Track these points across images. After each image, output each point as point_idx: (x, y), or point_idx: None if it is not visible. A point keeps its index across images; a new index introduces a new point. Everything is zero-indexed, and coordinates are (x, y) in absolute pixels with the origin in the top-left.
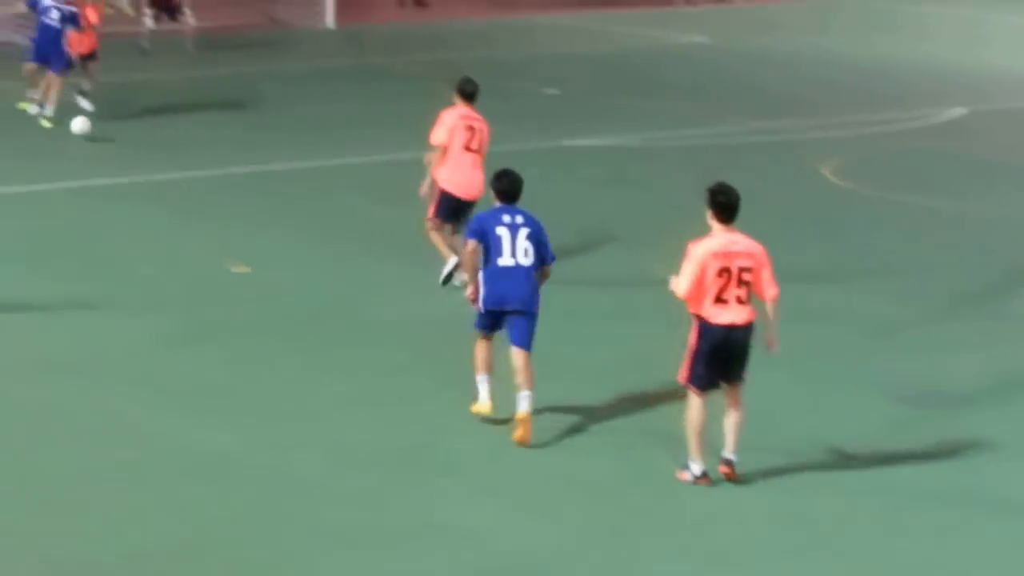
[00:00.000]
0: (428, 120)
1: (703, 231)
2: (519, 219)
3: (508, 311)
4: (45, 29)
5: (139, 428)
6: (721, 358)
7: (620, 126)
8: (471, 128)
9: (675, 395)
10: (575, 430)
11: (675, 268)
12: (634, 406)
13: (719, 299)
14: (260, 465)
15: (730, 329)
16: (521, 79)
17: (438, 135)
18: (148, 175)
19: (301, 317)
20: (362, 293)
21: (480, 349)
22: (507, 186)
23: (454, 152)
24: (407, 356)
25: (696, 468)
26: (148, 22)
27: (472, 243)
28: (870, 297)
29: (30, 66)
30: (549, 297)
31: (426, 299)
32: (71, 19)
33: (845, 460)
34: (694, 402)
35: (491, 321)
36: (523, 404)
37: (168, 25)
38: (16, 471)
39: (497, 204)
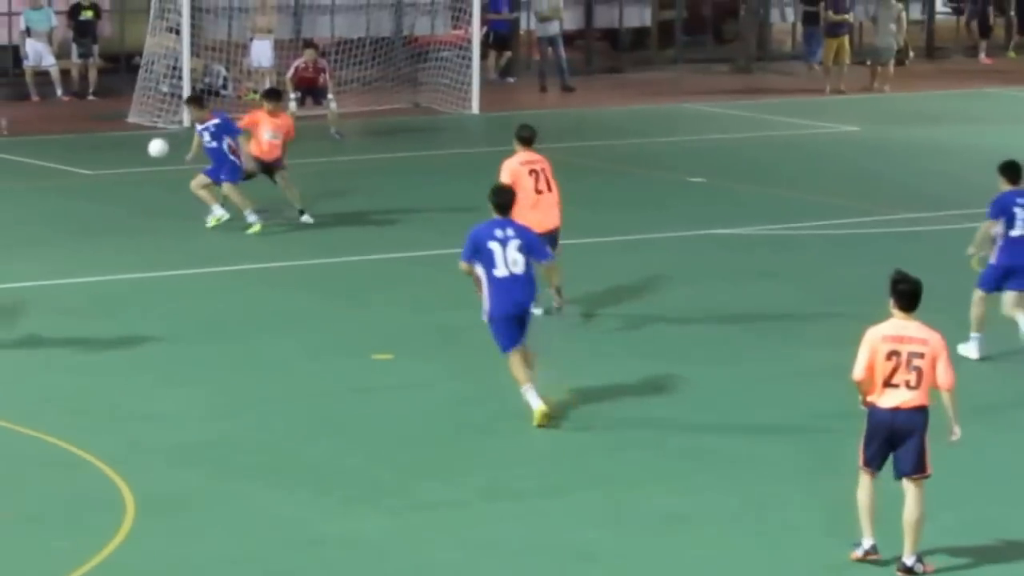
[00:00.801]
0: (573, 202)
1: (853, 320)
2: (510, 232)
3: (513, 315)
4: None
5: (276, 516)
6: (887, 443)
7: (766, 215)
8: (534, 172)
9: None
10: (736, 519)
11: (832, 357)
12: (808, 495)
13: (889, 383)
14: (401, 555)
15: (895, 413)
16: (666, 167)
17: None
18: (294, 260)
19: (442, 406)
20: (506, 382)
21: (516, 364)
22: (502, 199)
23: (525, 197)
24: (548, 446)
25: (866, 543)
26: (292, 106)
27: (465, 265)
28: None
29: (204, 179)
30: (711, 391)
31: (571, 391)
32: (226, 129)
33: (1012, 547)
34: (862, 482)
35: (510, 329)
36: (533, 396)
37: (311, 110)
38: (155, 560)
39: (494, 215)
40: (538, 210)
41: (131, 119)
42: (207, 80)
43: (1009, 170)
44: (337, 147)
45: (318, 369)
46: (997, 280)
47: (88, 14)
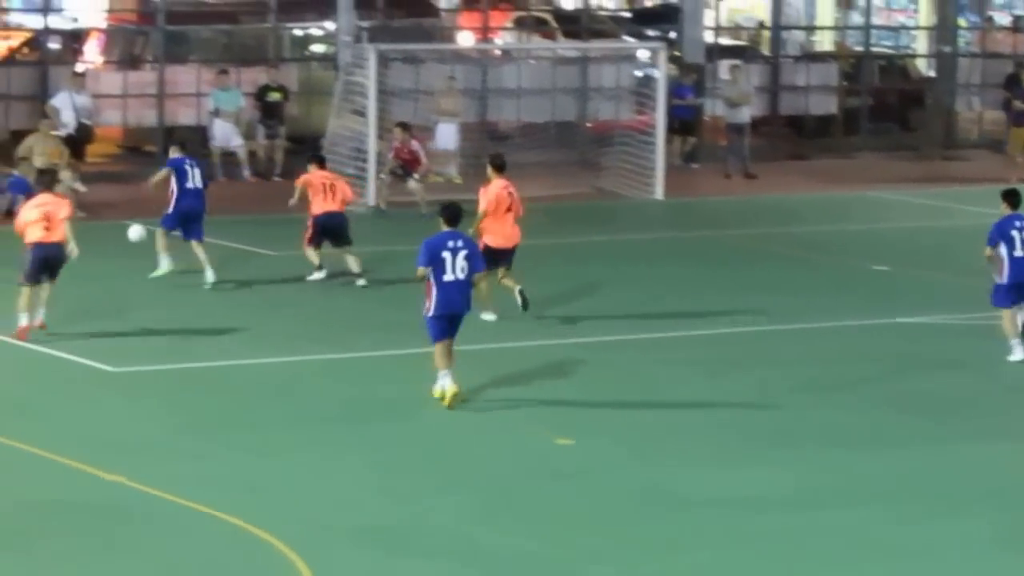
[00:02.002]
0: (755, 288)
1: None
2: (459, 243)
3: (453, 314)
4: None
5: None
6: None
7: (950, 304)
8: (511, 195)
9: None
10: None
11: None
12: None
13: None
14: None
15: None
16: (850, 254)
17: (487, 204)
18: (468, 345)
19: (621, 491)
20: (685, 470)
21: (441, 353)
22: (452, 215)
23: (498, 215)
24: (727, 534)
25: None
26: (415, 188)
27: (423, 270)
28: None
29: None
30: (891, 479)
31: (748, 472)
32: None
33: None
34: None
35: (444, 325)
36: (449, 381)
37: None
38: None
39: (444, 228)
40: (502, 228)
41: None
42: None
43: (1010, 196)
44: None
45: (497, 452)
46: (1010, 297)
47: (276, 96)
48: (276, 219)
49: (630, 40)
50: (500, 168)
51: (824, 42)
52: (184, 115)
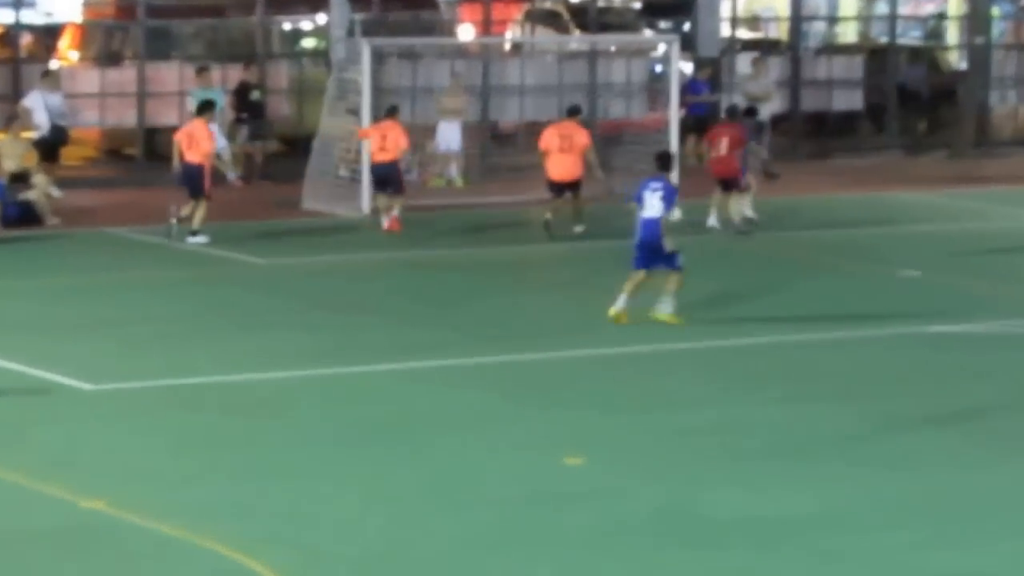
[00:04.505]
0: (777, 294)
1: None
2: (658, 186)
3: (643, 244)
4: None
5: None
6: None
7: (986, 311)
8: (563, 136)
9: None
10: None
11: None
12: None
13: None
14: None
15: None
16: (877, 259)
17: (542, 142)
18: (475, 357)
19: (633, 515)
20: (700, 489)
21: (629, 279)
22: (659, 162)
23: (553, 153)
24: (751, 561)
25: None
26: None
27: (634, 204)
28: None
29: None
30: (919, 501)
31: (772, 491)
32: None
33: None
34: None
35: (637, 253)
36: (620, 302)
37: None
38: None
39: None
40: (560, 164)
41: (305, 206)
42: None
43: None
44: (518, 235)
45: (505, 474)
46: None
47: (258, 94)
48: (265, 226)
49: (644, 32)
50: (569, 113)
51: (848, 33)
52: (166, 115)
